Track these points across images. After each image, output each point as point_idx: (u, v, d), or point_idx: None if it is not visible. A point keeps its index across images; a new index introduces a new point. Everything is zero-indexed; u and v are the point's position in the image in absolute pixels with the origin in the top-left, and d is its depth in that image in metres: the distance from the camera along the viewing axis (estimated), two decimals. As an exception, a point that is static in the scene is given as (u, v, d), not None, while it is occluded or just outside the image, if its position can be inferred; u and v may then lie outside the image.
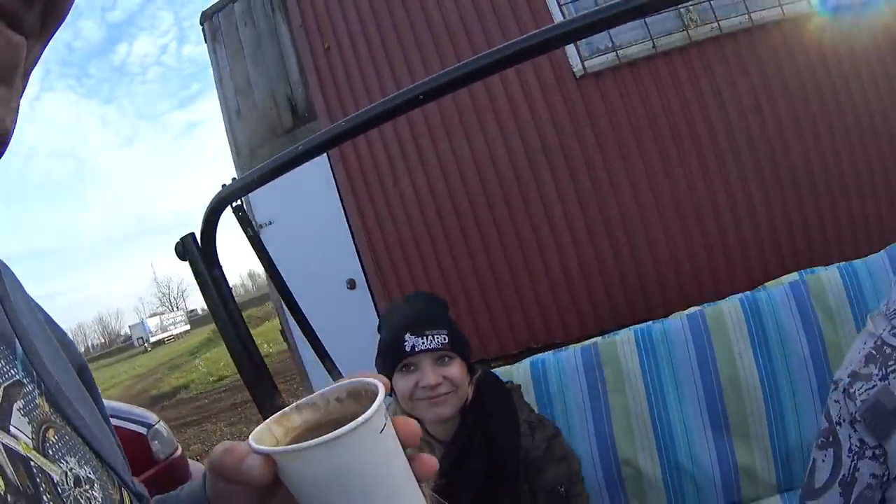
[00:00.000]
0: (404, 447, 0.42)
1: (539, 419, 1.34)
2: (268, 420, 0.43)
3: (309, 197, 3.97)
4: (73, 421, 0.40)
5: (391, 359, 1.22)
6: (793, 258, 3.23)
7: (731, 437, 1.59)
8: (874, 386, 1.07)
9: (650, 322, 1.69)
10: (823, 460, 1.13)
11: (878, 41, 3.45)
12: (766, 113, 3.39)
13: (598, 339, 1.70)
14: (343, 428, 0.37)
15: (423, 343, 1.21)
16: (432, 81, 0.94)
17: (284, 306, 1.39)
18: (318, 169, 3.85)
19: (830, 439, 1.12)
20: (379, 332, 1.33)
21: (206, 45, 4.67)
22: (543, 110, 3.52)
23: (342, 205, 3.93)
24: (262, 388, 1.24)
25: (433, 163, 3.66)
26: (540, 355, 1.71)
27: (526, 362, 1.65)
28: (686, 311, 1.70)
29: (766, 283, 1.76)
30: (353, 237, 3.89)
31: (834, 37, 3.44)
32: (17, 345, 0.38)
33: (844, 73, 3.45)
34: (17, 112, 0.32)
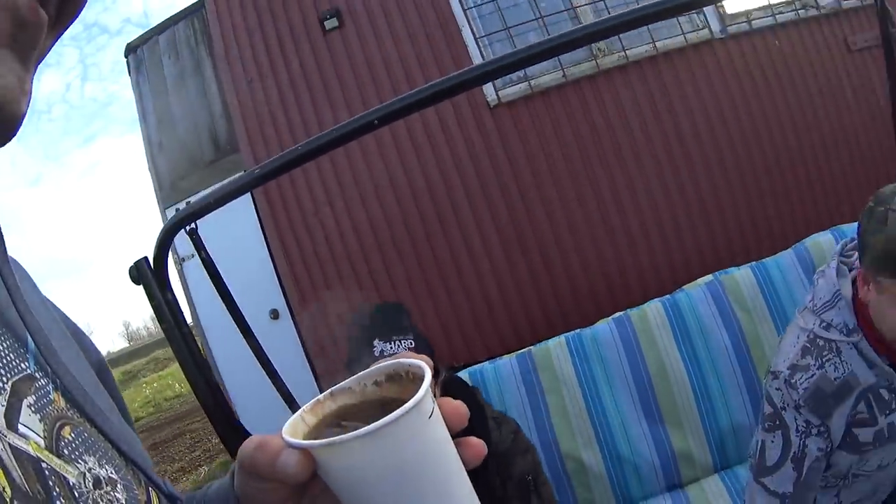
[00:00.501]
0: (452, 431, 0.39)
1: (501, 415, 1.43)
2: (301, 409, 0.40)
3: (230, 226, 3.96)
4: (92, 417, 0.37)
5: (358, 363, 1.29)
6: (706, 264, 3.37)
7: (666, 426, 1.72)
8: (813, 375, 1.19)
9: (580, 329, 1.81)
10: (773, 441, 1.23)
11: (775, 66, 3.64)
12: (669, 135, 3.53)
13: (532, 347, 1.79)
14: (391, 414, 0.34)
15: (391, 348, 1.30)
16: (377, 111, 1.03)
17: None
18: (240, 198, 3.85)
19: (777, 423, 1.23)
20: (347, 339, 1.40)
21: (129, 78, 4.65)
22: (459, 139, 3.60)
23: (263, 233, 3.93)
24: (220, 411, 1.25)
25: (353, 193, 3.70)
26: (478, 365, 1.81)
27: (464, 372, 1.74)
28: (612, 316, 1.83)
29: (683, 286, 1.89)
30: (275, 266, 3.89)
31: (733, 61, 3.61)
32: (30, 339, 0.36)
33: (746, 94, 3.62)
34: (30, 96, 0.31)
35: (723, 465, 1.75)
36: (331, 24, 3.95)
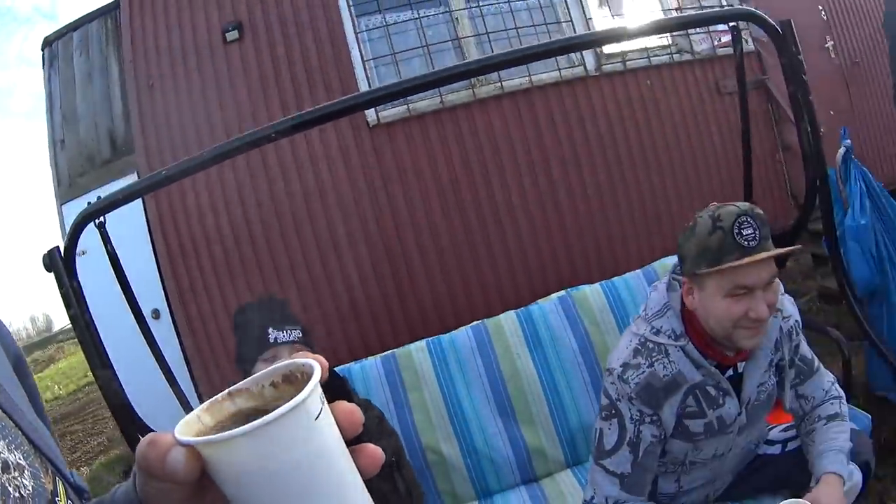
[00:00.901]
0: (345, 436, 0.38)
1: (366, 402, 1.54)
2: (197, 408, 0.38)
3: (118, 226, 4.06)
4: (3, 405, 0.37)
5: (255, 349, 1.44)
6: (562, 280, 3.54)
7: (519, 424, 1.87)
8: (643, 372, 1.34)
9: (440, 335, 1.95)
10: (609, 428, 1.37)
11: (646, 104, 3.81)
12: (537, 163, 3.70)
13: (396, 350, 1.93)
14: (272, 413, 0.33)
15: (283, 336, 1.44)
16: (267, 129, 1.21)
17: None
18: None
19: (613, 412, 1.37)
20: (235, 329, 1.53)
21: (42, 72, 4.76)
22: (338, 155, 3.74)
23: (150, 236, 4.04)
24: (117, 397, 1.38)
25: (235, 200, 3.83)
26: (345, 365, 1.94)
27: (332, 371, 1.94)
28: (470, 325, 1.99)
29: (537, 301, 2.07)
30: (158, 267, 4.00)
31: (605, 98, 3.79)
32: None
33: (613, 129, 3.79)
34: None
35: (574, 461, 1.90)
36: (232, 36, 4.08)
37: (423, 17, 4.08)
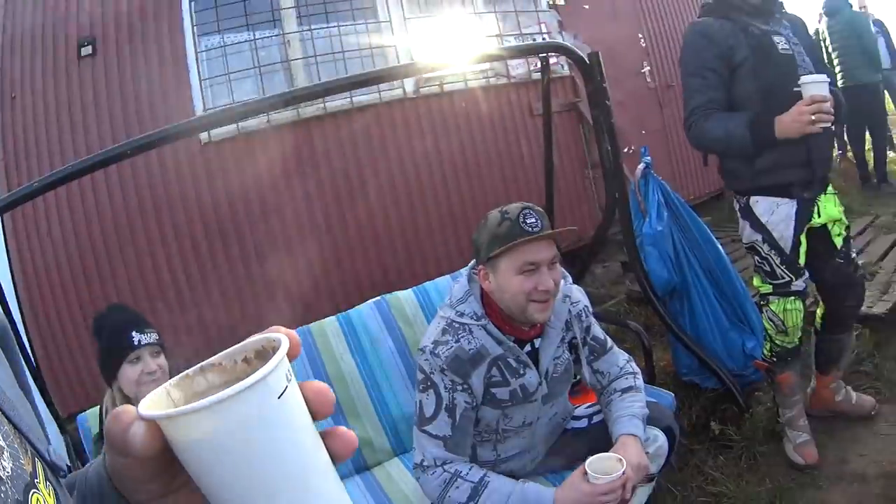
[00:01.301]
0: (315, 417, 0.38)
1: None
2: (167, 382, 0.38)
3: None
4: None
5: (119, 352, 1.65)
6: (376, 287, 3.82)
7: (347, 418, 2.05)
8: (451, 347, 1.57)
9: None
10: (427, 398, 1.58)
11: (459, 125, 4.12)
12: (353, 179, 3.99)
13: None
14: (231, 388, 0.32)
15: (145, 338, 1.67)
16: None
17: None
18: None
19: (429, 384, 1.58)
20: (96, 335, 1.72)
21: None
22: (172, 170, 3.99)
23: (6, 249, 4.26)
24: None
25: (80, 214, 4.06)
26: None
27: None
28: (293, 330, 2.25)
29: (355, 307, 2.28)
30: (12, 275, 4.23)
31: (421, 119, 4.08)
32: None
33: (427, 149, 4.09)
34: None
35: (400, 451, 2.09)
36: (86, 51, 4.28)
37: (258, 38, 4.34)
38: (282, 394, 0.34)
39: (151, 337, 1.67)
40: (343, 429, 0.39)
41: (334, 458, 0.38)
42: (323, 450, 0.38)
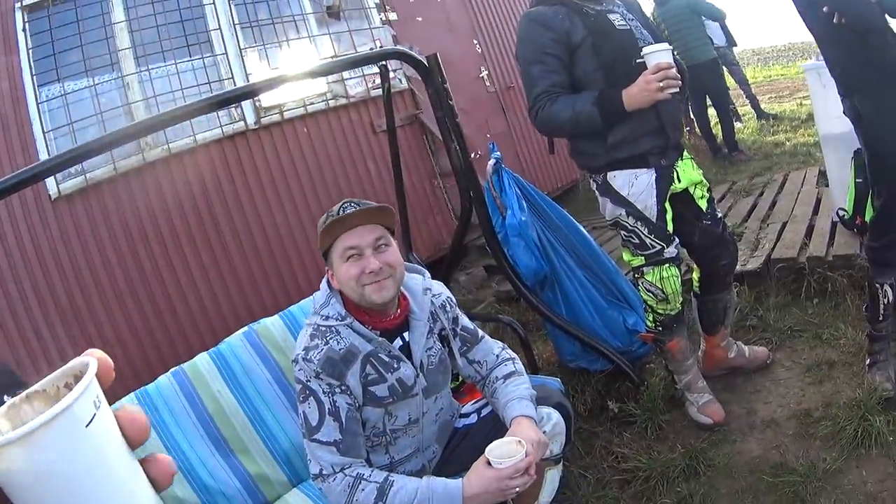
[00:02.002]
0: (131, 444, 0.38)
1: None
2: None
3: None
4: None
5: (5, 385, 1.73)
6: (240, 319, 4.00)
7: (236, 454, 2.01)
8: (321, 350, 1.57)
9: (145, 385, 2.07)
10: (310, 407, 1.57)
11: (303, 150, 4.30)
12: (204, 217, 4.15)
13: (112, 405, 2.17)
14: (29, 424, 0.33)
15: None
16: None
17: None
18: None
19: (307, 392, 1.57)
20: None
21: None
22: (24, 230, 4.08)
23: None
24: None
25: None
26: None
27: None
28: (168, 372, 2.12)
29: (225, 339, 2.24)
30: None
31: (264, 149, 4.26)
32: None
33: (273, 176, 4.26)
34: None
35: (297, 480, 2.06)
36: None
37: (97, 83, 4.41)
38: (90, 422, 0.35)
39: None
40: (162, 455, 0.40)
41: (155, 486, 0.39)
42: (141, 477, 0.38)
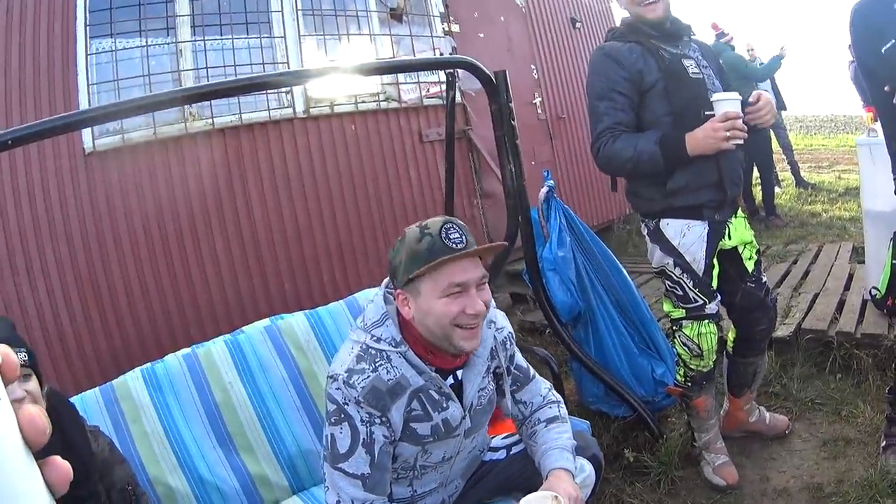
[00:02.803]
0: (31, 446, 0.38)
1: (96, 429, 1.56)
2: None
3: None
4: None
5: None
6: (259, 311, 3.98)
7: (239, 451, 1.96)
8: (368, 377, 1.44)
9: (153, 362, 2.02)
10: (341, 432, 1.45)
11: (348, 146, 4.29)
12: (238, 197, 4.12)
13: (113, 380, 1.95)
14: None
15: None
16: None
17: None
18: None
19: (342, 416, 1.45)
20: None
21: None
22: (53, 181, 4.03)
23: None
24: None
25: None
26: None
27: (50, 401, 2.06)
28: (180, 352, 2.08)
29: (243, 328, 2.22)
30: None
31: (309, 139, 4.25)
32: None
33: (314, 169, 4.26)
34: None
35: (299, 487, 2.01)
36: None
37: (150, 45, 4.39)
38: None
39: (19, 356, 1.48)
40: (59, 459, 0.40)
41: (52, 490, 0.39)
42: (37, 480, 0.38)
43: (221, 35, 4.58)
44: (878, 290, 3.21)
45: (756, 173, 6.46)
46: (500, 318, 1.69)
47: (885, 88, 2.09)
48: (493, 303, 1.63)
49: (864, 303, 3.47)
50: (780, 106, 7.29)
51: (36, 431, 0.37)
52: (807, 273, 4.44)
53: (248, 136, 4.37)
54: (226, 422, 1.95)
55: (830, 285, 4.01)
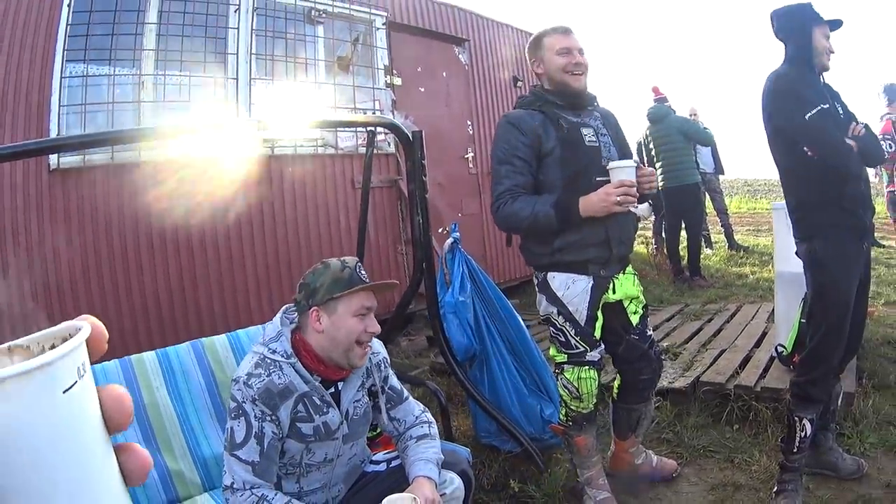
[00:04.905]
0: (110, 426, 0.39)
1: None
2: None
3: None
4: None
5: None
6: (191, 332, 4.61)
7: (160, 449, 2.22)
8: (263, 380, 1.83)
9: (92, 366, 2.88)
10: (238, 425, 1.82)
11: (284, 191, 4.91)
12: (179, 231, 4.73)
13: None
14: (4, 370, 0.32)
15: None
16: None
17: None
18: None
19: (240, 412, 1.82)
20: None
21: None
22: (20, 191, 4.66)
23: None
24: None
25: None
26: None
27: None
28: (118, 359, 2.32)
29: (173, 345, 2.52)
30: None
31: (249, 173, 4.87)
32: None
33: (249, 201, 4.86)
34: None
35: (210, 486, 2.27)
36: None
37: (117, 74, 5.03)
38: (69, 388, 0.34)
39: None
40: (138, 446, 0.40)
41: (127, 479, 0.40)
42: (113, 465, 0.39)
43: (181, 71, 5.20)
44: (784, 347, 3.61)
45: (684, 234, 7.22)
46: (377, 345, 2.13)
47: (808, 153, 2.40)
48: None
49: (772, 359, 3.83)
50: (718, 170, 7.91)
51: (122, 413, 0.37)
52: (719, 331, 4.85)
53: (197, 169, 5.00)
54: (151, 422, 2.24)
55: (740, 343, 4.42)
